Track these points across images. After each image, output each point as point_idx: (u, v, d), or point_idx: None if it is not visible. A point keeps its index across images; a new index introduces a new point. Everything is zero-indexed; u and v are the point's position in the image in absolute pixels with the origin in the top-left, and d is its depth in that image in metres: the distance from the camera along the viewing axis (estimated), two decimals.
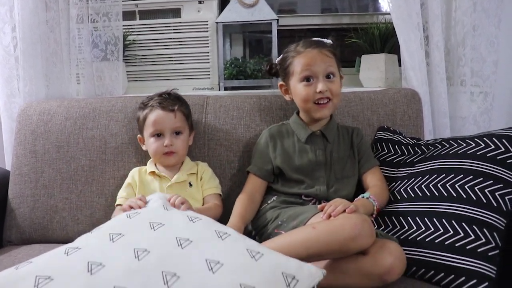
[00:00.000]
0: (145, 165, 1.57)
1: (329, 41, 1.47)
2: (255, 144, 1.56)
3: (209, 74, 2.22)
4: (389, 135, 1.59)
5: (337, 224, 1.08)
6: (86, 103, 1.73)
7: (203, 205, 1.47)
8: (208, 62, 2.21)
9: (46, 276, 0.83)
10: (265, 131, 1.53)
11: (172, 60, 2.23)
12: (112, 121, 1.68)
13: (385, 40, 2.00)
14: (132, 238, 0.95)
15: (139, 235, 0.96)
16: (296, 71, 1.42)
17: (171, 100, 1.51)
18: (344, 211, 1.13)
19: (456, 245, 1.17)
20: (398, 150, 1.53)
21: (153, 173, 1.50)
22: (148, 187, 1.48)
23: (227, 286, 0.82)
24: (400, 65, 1.85)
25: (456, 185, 1.26)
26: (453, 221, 1.21)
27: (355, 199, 1.32)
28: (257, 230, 1.38)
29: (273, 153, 1.47)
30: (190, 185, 1.48)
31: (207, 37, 2.19)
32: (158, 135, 1.48)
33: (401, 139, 1.57)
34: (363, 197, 1.32)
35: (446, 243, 1.19)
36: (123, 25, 1.98)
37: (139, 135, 1.57)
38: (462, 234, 1.18)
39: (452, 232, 1.19)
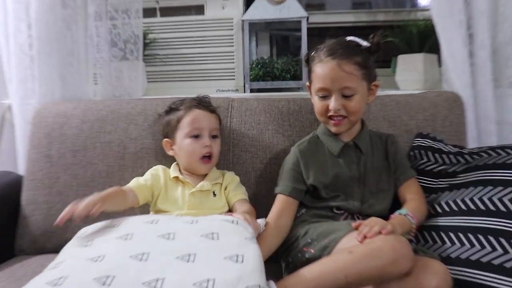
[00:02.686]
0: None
1: (365, 43, 1.38)
2: (285, 158, 1.51)
3: (233, 75, 2.21)
4: (429, 142, 1.55)
5: (375, 248, 1.06)
6: (103, 105, 1.72)
7: (228, 211, 1.47)
8: (233, 62, 2.19)
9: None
10: (294, 148, 1.49)
11: (194, 60, 2.23)
12: (131, 124, 1.67)
13: (424, 39, 1.96)
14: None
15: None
16: (314, 80, 1.39)
17: (208, 104, 1.53)
18: (380, 232, 1.11)
19: (505, 265, 1.12)
20: (439, 159, 1.49)
21: (176, 178, 1.49)
22: (171, 191, 1.47)
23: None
24: (440, 66, 1.80)
25: (504, 199, 1.22)
26: (500, 239, 1.16)
27: (391, 216, 1.29)
28: (285, 246, 1.34)
29: (306, 172, 1.43)
30: (214, 194, 1.47)
31: (232, 35, 2.17)
32: (196, 136, 1.47)
33: (442, 146, 1.53)
34: (400, 213, 1.29)
35: (493, 262, 1.14)
36: (143, 23, 1.96)
37: (165, 139, 1.55)
38: None
39: (501, 251, 1.15)
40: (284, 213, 1.39)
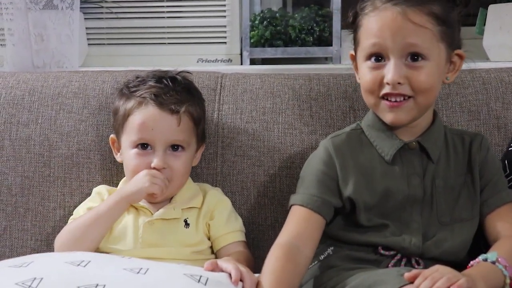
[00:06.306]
0: (117, 186, 1.44)
1: None
2: (306, 160, 1.34)
3: (225, 37, 2.03)
4: None
5: None
6: (17, 81, 1.59)
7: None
8: (224, 17, 2.01)
9: None
10: (325, 142, 1.32)
11: (162, 12, 2.03)
12: (62, 112, 1.53)
13: None
14: None
15: None
16: (363, 37, 1.26)
17: (176, 94, 1.33)
18: None
19: None
20: None
21: None
22: (117, 222, 1.35)
23: None
24: None
25: None
26: None
27: (471, 263, 1.13)
28: None
29: (344, 179, 1.27)
30: (187, 224, 1.34)
31: None
32: (144, 146, 1.32)
33: None
34: (486, 259, 1.13)
35: None
36: None
37: (112, 135, 1.42)
38: None
39: None
40: (305, 238, 1.23)
